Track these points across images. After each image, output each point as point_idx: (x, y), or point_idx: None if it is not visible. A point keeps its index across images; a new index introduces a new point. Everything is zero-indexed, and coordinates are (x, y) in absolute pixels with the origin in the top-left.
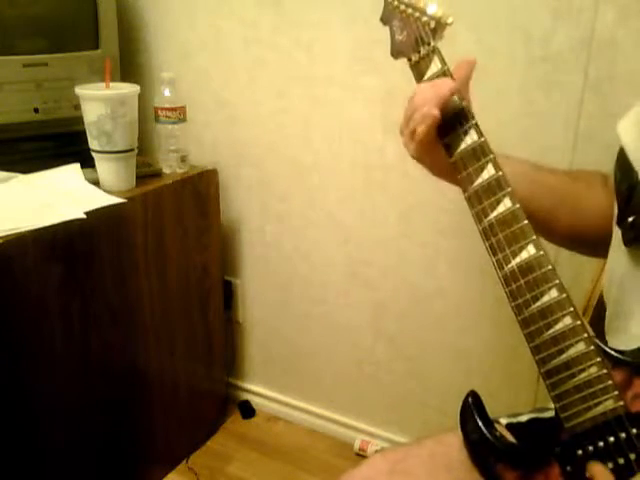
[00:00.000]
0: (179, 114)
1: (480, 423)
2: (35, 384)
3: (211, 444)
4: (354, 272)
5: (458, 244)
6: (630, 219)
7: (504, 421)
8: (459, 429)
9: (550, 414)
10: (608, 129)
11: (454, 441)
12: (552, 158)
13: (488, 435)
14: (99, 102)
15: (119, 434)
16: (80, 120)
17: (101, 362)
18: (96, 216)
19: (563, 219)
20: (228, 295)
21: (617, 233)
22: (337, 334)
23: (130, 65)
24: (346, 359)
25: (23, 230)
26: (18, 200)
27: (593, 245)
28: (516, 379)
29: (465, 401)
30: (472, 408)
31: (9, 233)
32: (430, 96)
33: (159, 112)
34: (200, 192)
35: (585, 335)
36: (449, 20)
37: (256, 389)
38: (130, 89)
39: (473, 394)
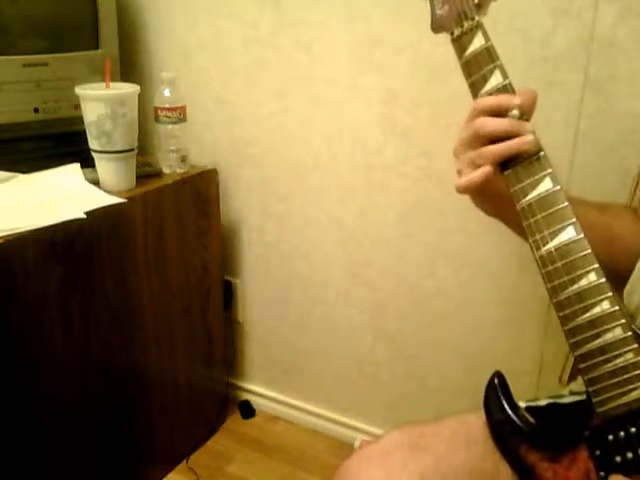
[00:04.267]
0: (179, 114)
1: (505, 404)
2: (35, 384)
3: (211, 444)
4: (354, 272)
5: (458, 244)
6: None
7: (523, 404)
8: (482, 409)
9: (568, 400)
10: (608, 129)
11: (475, 421)
12: (552, 158)
13: (513, 416)
14: (99, 102)
15: (119, 434)
16: (80, 120)
17: (101, 362)
18: (96, 216)
19: (598, 251)
20: (228, 295)
21: None
22: (337, 334)
23: (130, 65)
24: (346, 359)
25: (23, 230)
26: (18, 200)
27: (627, 274)
28: (517, 380)
29: (491, 381)
30: (498, 388)
31: (9, 233)
32: (505, 131)
33: (159, 112)
34: (200, 192)
35: (623, 320)
36: None
37: (256, 389)
38: (130, 89)
39: (499, 375)
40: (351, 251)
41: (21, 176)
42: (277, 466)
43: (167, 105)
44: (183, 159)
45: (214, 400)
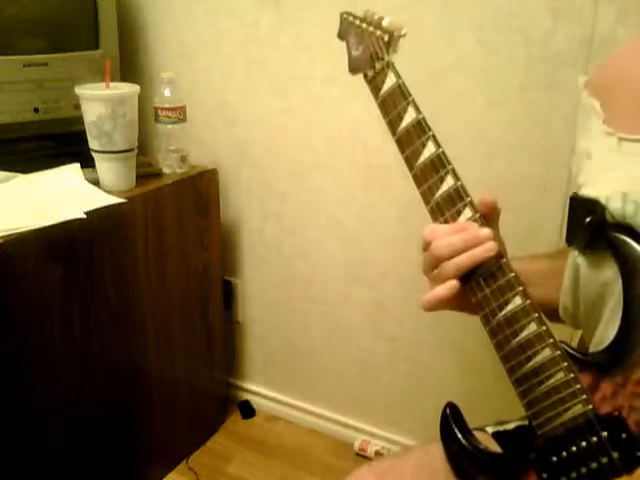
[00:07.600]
0: (179, 114)
1: (458, 434)
2: (35, 384)
3: (211, 444)
4: (354, 272)
5: None
6: (587, 219)
7: (490, 430)
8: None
9: None
10: None
11: (438, 451)
12: (552, 158)
13: (467, 445)
14: (99, 102)
15: (119, 434)
16: (80, 120)
17: (101, 362)
18: (96, 216)
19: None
20: (228, 295)
21: (572, 254)
22: (337, 334)
23: (130, 65)
24: (346, 359)
25: (23, 230)
26: (18, 200)
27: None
28: None
29: (443, 413)
30: (450, 419)
31: (9, 233)
32: (461, 248)
33: (159, 112)
34: (200, 192)
35: (551, 340)
36: (402, 32)
37: (256, 389)
38: (130, 89)
39: (451, 405)
40: (351, 251)
41: (21, 176)
42: (277, 466)
43: (167, 105)
44: (183, 159)
45: (214, 400)
